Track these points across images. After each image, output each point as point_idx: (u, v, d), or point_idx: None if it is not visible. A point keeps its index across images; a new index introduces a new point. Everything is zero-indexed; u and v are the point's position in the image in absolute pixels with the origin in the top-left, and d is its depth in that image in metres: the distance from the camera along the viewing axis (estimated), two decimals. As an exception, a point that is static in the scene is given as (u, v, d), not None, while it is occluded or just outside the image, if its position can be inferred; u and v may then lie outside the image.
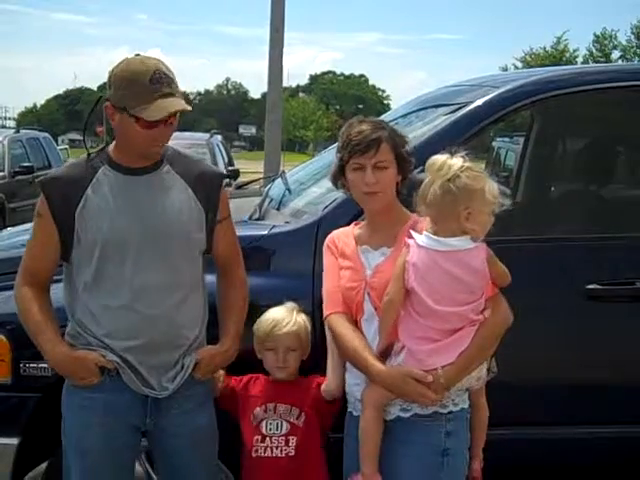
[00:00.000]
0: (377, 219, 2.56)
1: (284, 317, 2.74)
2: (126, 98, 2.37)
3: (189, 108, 2.44)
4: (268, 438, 2.71)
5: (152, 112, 2.35)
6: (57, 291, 2.61)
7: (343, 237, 2.62)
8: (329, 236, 2.67)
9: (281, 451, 2.70)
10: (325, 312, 2.57)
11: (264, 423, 2.73)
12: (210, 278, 2.69)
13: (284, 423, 2.72)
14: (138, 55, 2.46)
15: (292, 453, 2.70)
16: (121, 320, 2.47)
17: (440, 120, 3.28)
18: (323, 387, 2.67)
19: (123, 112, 2.39)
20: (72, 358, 2.47)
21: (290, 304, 2.80)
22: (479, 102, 3.22)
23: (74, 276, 2.53)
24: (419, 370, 2.34)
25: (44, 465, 3.13)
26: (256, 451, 2.72)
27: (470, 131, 3.12)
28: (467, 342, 2.37)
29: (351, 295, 2.50)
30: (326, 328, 2.59)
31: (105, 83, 2.46)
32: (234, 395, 2.79)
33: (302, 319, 2.76)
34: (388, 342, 2.41)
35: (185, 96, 2.50)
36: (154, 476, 2.89)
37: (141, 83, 2.36)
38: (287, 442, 2.71)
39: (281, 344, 2.72)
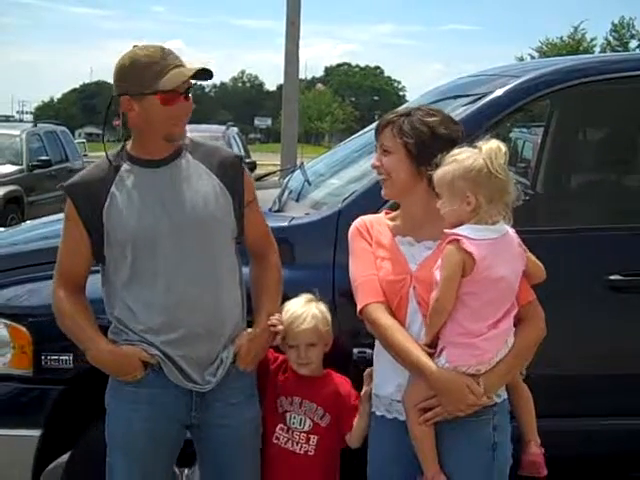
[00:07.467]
0: (411, 210, 2.46)
1: (301, 313, 2.64)
2: (144, 80, 2.38)
3: (205, 67, 2.42)
4: (291, 431, 2.66)
5: (168, 81, 2.38)
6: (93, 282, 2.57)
7: (377, 225, 2.50)
8: (358, 220, 2.55)
9: (301, 447, 2.66)
10: (363, 301, 2.41)
11: (288, 415, 2.67)
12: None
13: (307, 420, 2.66)
14: (136, 46, 2.46)
15: (311, 452, 2.65)
16: (159, 314, 2.45)
17: (460, 110, 3.24)
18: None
19: (142, 97, 2.40)
20: (114, 354, 2.46)
21: (307, 295, 2.71)
22: (500, 91, 3.19)
23: (111, 275, 2.52)
24: (472, 382, 2.27)
25: (66, 457, 3.14)
26: (277, 438, 2.67)
27: (492, 120, 3.11)
28: (511, 326, 2.34)
29: (395, 288, 2.38)
30: (366, 319, 2.42)
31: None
32: (267, 369, 2.71)
33: (320, 310, 2.66)
34: (431, 341, 2.33)
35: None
36: (176, 470, 2.89)
37: (154, 62, 2.39)
38: (308, 440, 2.66)
39: (301, 341, 2.63)
